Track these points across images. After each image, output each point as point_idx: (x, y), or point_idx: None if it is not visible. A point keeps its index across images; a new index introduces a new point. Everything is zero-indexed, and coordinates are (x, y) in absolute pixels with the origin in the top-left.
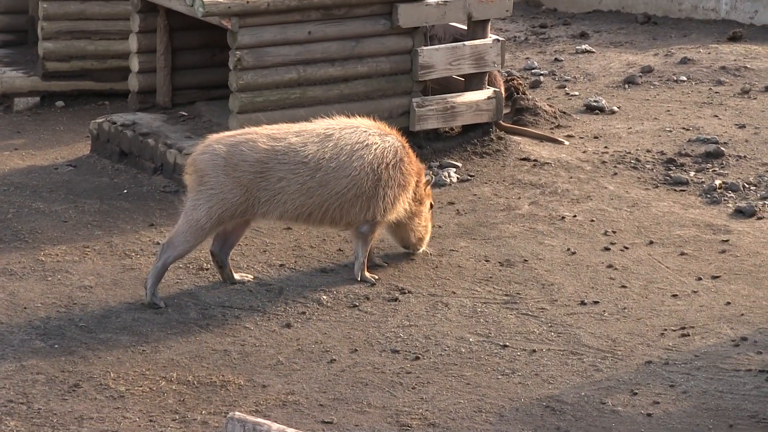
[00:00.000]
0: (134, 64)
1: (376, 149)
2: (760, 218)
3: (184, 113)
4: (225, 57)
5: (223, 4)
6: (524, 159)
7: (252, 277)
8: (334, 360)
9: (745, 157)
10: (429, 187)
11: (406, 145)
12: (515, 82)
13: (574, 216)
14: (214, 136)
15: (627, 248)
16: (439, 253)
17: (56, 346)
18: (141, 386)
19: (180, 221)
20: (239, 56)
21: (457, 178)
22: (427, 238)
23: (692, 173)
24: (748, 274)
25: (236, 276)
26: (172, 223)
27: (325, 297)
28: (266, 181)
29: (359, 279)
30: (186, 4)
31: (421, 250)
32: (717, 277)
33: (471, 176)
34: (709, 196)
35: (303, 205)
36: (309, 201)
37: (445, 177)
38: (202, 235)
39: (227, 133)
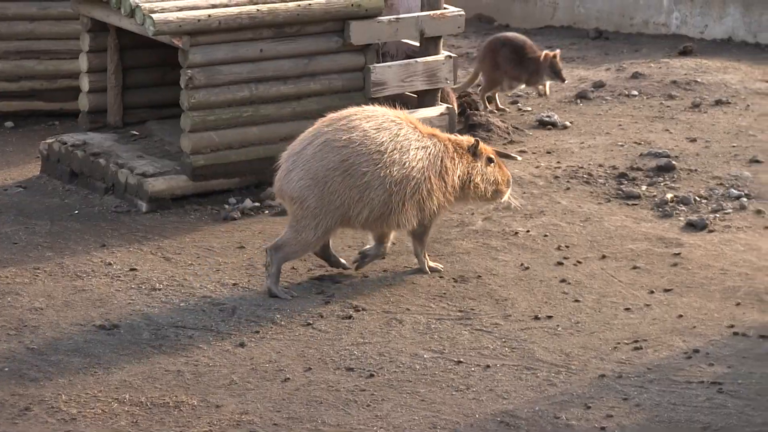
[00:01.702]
0: (84, 83)
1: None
2: (711, 231)
3: (135, 133)
4: (176, 76)
5: (174, 23)
6: None
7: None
8: (288, 379)
9: (696, 170)
10: (478, 146)
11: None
12: (468, 98)
13: (528, 231)
14: (287, 153)
15: (580, 263)
16: (392, 269)
17: (6, 369)
18: (93, 408)
19: (288, 233)
20: (191, 75)
21: None
22: (502, 187)
23: (644, 187)
24: (700, 287)
25: (342, 261)
26: (124, 244)
27: (278, 316)
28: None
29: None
30: (136, 23)
31: (504, 199)
32: (669, 290)
33: None
34: (660, 209)
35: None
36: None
37: None
38: (310, 249)
39: (296, 142)
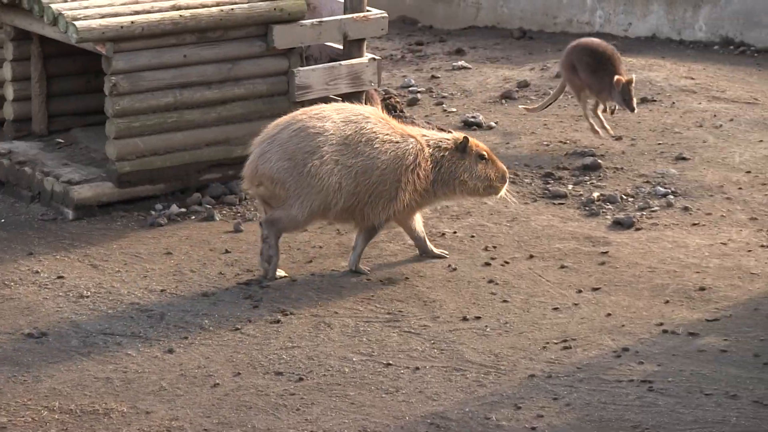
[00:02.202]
0: (9, 92)
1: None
2: (638, 229)
3: (60, 140)
4: (101, 83)
5: (97, 30)
6: None
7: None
8: (218, 384)
9: (622, 168)
10: (467, 143)
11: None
12: (392, 100)
13: (454, 232)
14: (259, 138)
15: (507, 263)
16: (320, 273)
17: None
18: (23, 417)
19: (280, 212)
20: (115, 81)
21: None
22: (496, 184)
23: (570, 186)
24: (628, 285)
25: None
26: (51, 251)
27: (207, 321)
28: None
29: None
30: (60, 31)
31: (500, 195)
32: (597, 289)
33: None
34: (587, 208)
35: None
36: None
37: None
38: (302, 226)
39: (270, 127)
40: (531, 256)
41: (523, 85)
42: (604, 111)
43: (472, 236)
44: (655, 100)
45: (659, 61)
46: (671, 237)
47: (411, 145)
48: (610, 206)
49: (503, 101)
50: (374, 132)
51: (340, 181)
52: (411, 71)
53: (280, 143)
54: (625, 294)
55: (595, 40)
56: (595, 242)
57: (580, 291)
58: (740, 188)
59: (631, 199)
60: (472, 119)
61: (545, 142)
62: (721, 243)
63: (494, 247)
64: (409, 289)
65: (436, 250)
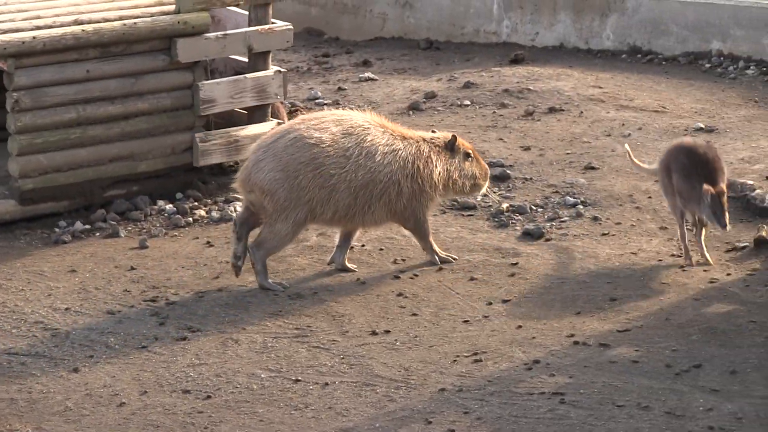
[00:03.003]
0: None
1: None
2: (548, 240)
3: None
4: (2, 99)
5: None
6: None
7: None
8: (124, 403)
9: (531, 179)
10: (456, 141)
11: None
12: (299, 112)
13: (363, 246)
14: (256, 145)
15: (417, 276)
16: (227, 288)
17: None
18: None
19: (264, 231)
20: (16, 98)
21: None
22: (480, 181)
23: (479, 197)
24: (538, 297)
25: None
26: None
27: (112, 339)
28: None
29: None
30: None
31: (482, 192)
32: (507, 300)
33: None
34: (497, 219)
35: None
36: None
37: (231, 212)
38: (288, 241)
39: (267, 136)
40: (440, 269)
41: (431, 96)
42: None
43: (381, 249)
44: (563, 110)
45: (567, 71)
46: (581, 247)
47: (413, 150)
48: (519, 217)
49: (410, 113)
50: (374, 144)
51: (332, 193)
52: (317, 83)
53: (275, 153)
54: (536, 305)
55: (699, 141)
56: (505, 253)
57: (490, 303)
58: (649, 197)
59: (540, 210)
60: None
61: None
62: (632, 253)
63: (403, 260)
64: (318, 304)
65: (443, 254)
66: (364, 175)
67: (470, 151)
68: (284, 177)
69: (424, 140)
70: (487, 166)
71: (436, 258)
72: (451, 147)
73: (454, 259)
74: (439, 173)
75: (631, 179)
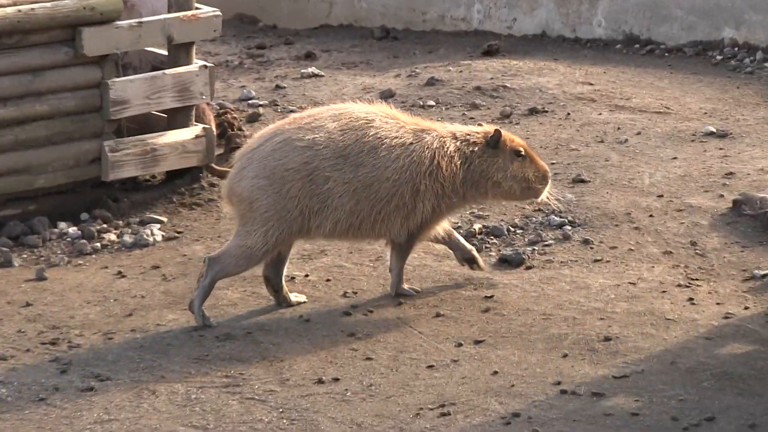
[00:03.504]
0: None
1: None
2: (529, 268)
3: None
4: None
5: None
6: None
7: (305, 299)
8: None
9: None
10: (500, 137)
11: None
12: (229, 115)
13: (306, 276)
14: (240, 152)
15: (371, 311)
16: (142, 329)
17: None
18: None
19: (231, 243)
20: None
21: (162, 236)
22: (535, 185)
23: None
24: (518, 336)
25: (292, 298)
26: None
27: (4, 390)
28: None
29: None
30: None
31: (541, 198)
32: (481, 341)
33: (179, 233)
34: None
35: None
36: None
37: (147, 235)
38: (255, 261)
39: (253, 140)
40: (400, 303)
41: (388, 95)
42: None
43: (328, 280)
44: (546, 111)
45: (551, 64)
46: (569, 276)
47: (428, 144)
48: (494, 240)
49: None
50: (379, 137)
51: (329, 200)
52: (251, 81)
53: (260, 158)
54: (515, 347)
55: None
56: (478, 284)
57: (460, 344)
58: (651, 216)
59: (519, 232)
60: None
61: None
62: (630, 283)
63: (355, 293)
64: (252, 346)
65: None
66: (366, 173)
67: (521, 149)
68: (268, 184)
69: (454, 135)
70: (546, 166)
71: (400, 288)
72: (494, 144)
73: (417, 291)
74: (465, 175)
75: (629, 194)
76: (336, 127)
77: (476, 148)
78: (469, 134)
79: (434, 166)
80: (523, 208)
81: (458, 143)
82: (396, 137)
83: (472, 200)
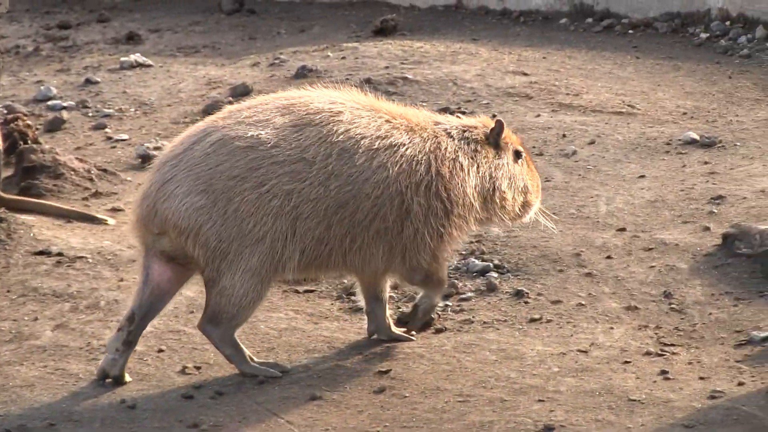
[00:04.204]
0: None
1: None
2: (439, 331)
3: None
4: None
5: None
6: (41, 252)
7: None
8: None
9: None
10: (502, 131)
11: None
12: (20, 123)
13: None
14: (159, 160)
15: (221, 394)
16: None
17: None
18: None
19: (211, 295)
20: None
21: None
22: (532, 197)
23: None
24: (425, 426)
25: (127, 376)
26: None
27: None
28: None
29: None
30: None
31: (530, 216)
32: None
33: None
34: (351, 298)
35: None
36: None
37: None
38: (259, 301)
39: (175, 142)
40: (262, 382)
41: (242, 92)
42: None
43: (161, 350)
44: (464, 112)
45: (469, 47)
46: (496, 342)
47: (429, 146)
48: (390, 293)
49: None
50: (353, 135)
51: (296, 222)
52: (51, 73)
53: (190, 166)
54: None
55: None
56: (369, 356)
57: None
58: (609, 257)
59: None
60: (156, 152)
61: None
62: (579, 351)
63: (197, 368)
64: None
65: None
66: (339, 187)
67: (521, 149)
68: (210, 203)
69: (448, 131)
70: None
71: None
72: (495, 140)
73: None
74: (476, 184)
75: (579, 227)
76: (288, 123)
77: (479, 147)
78: (467, 129)
79: (432, 176)
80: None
81: (456, 142)
82: (379, 135)
83: (474, 224)
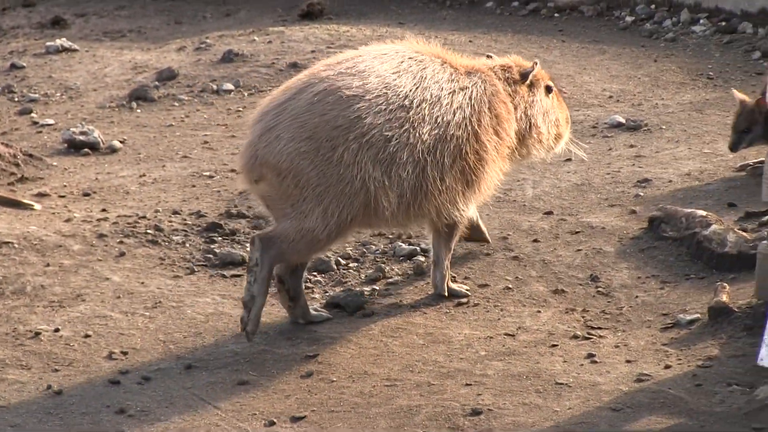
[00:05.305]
0: None
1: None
2: (367, 315)
3: None
4: None
5: None
6: None
7: (328, 314)
8: None
9: None
10: (534, 70)
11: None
12: None
13: (57, 330)
14: (260, 110)
15: (148, 379)
16: None
17: None
18: None
19: (285, 225)
20: None
21: None
22: (563, 129)
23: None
24: (352, 410)
25: (312, 311)
26: None
27: None
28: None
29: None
30: None
31: (561, 147)
32: (301, 418)
33: None
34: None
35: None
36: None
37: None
38: (319, 248)
39: (277, 92)
40: (189, 366)
41: (168, 76)
42: None
43: (88, 336)
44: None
45: (395, 30)
46: (423, 326)
47: (485, 88)
48: (318, 277)
49: (134, 104)
50: (437, 80)
51: (393, 168)
52: None
53: (295, 115)
54: (348, 425)
55: None
56: (295, 339)
57: (272, 423)
58: (536, 241)
59: (354, 265)
60: (82, 137)
61: (206, 171)
62: (506, 334)
63: (125, 354)
64: None
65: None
66: (431, 131)
67: (551, 84)
68: (314, 149)
69: (493, 71)
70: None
71: (445, 287)
72: (526, 77)
73: (467, 294)
74: (516, 124)
75: (505, 210)
76: (388, 70)
77: (517, 87)
78: (506, 68)
79: (495, 114)
80: (360, 233)
81: (502, 82)
82: (452, 79)
83: (519, 158)
